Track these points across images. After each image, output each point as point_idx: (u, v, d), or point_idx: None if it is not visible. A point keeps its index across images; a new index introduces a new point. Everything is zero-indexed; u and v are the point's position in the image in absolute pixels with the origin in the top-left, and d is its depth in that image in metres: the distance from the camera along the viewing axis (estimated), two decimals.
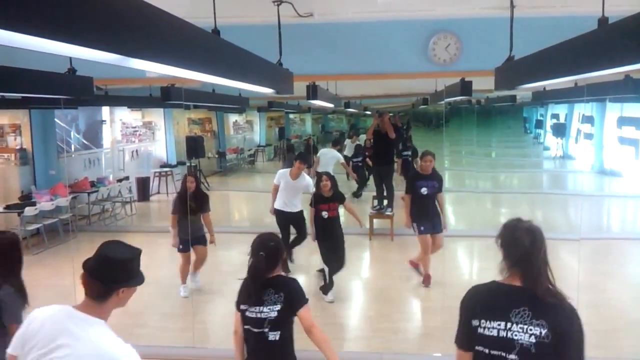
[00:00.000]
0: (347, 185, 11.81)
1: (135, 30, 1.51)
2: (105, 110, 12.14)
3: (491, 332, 2.16)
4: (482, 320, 2.18)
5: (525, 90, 9.04)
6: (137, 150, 13.39)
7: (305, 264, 7.21)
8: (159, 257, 8.21)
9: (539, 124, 21.91)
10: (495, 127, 20.76)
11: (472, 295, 2.33)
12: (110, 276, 1.99)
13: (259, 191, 14.69)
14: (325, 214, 6.04)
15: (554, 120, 19.69)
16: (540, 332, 2.08)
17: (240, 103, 9.37)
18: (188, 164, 13.13)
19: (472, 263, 8.09)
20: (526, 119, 23.98)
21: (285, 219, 6.91)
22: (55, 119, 9.95)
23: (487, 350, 2.17)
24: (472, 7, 4.25)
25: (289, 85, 3.86)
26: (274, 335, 2.89)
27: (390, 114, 10.62)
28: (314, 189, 6.48)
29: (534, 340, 2.08)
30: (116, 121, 12.68)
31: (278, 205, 6.94)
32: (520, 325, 2.11)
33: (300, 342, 3.02)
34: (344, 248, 6.18)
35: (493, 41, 3.77)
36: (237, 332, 3.02)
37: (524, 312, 2.12)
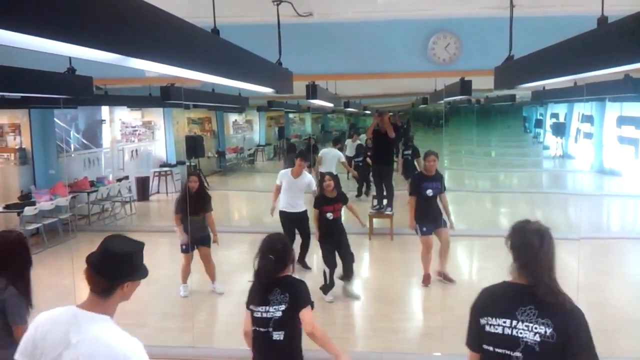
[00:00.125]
0: (346, 185, 11.80)
1: (134, 30, 1.51)
2: (105, 109, 12.13)
3: (496, 329, 2.17)
4: (489, 318, 2.20)
5: (524, 90, 9.03)
6: (136, 150, 13.39)
7: (307, 262, 7.20)
8: (158, 256, 8.21)
9: (539, 124, 21.91)
10: (495, 126, 20.79)
11: (482, 296, 2.34)
12: (115, 271, 1.98)
13: (258, 191, 14.70)
14: (330, 215, 6.02)
15: (554, 120, 19.69)
16: (545, 331, 2.08)
17: (239, 102, 9.37)
18: (188, 163, 13.13)
19: (472, 262, 8.10)
20: (526, 118, 23.99)
21: (290, 220, 6.90)
22: (55, 119, 9.95)
23: (492, 349, 2.18)
24: (472, 7, 4.25)
25: (289, 85, 3.86)
26: (278, 335, 2.91)
27: (390, 114, 10.63)
28: (316, 187, 6.47)
29: (538, 339, 2.08)
30: (116, 121, 12.67)
31: (282, 206, 6.95)
32: (525, 324, 2.12)
33: (308, 342, 3.03)
34: (349, 245, 6.16)
35: (492, 41, 3.77)
36: (247, 333, 3.05)
37: (530, 311, 2.13)
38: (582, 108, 16.53)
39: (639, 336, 5.19)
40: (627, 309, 5.83)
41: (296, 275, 3.16)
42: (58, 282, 6.15)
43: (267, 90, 3.40)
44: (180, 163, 13.81)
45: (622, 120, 14.23)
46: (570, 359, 2.08)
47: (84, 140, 11.69)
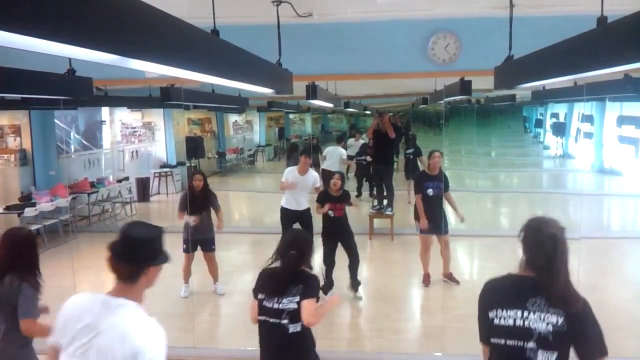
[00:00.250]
0: (346, 185, 11.80)
1: (134, 30, 1.52)
2: (105, 110, 12.13)
3: (507, 321, 2.16)
4: (499, 310, 2.19)
5: (524, 90, 9.03)
6: (136, 151, 13.39)
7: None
8: None
9: (539, 123, 21.90)
10: (495, 126, 20.76)
11: (488, 288, 2.34)
12: (139, 255, 2.02)
13: (259, 191, 14.71)
14: (331, 212, 6.03)
15: (554, 120, 19.68)
16: (557, 321, 2.09)
17: (239, 103, 9.36)
18: (188, 164, 13.13)
19: (472, 263, 8.10)
20: (526, 118, 23.97)
21: (290, 218, 6.91)
22: (55, 120, 9.96)
23: (503, 341, 2.17)
24: (472, 7, 4.25)
25: (289, 85, 3.86)
26: (294, 327, 2.94)
27: (390, 114, 10.63)
28: (321, 183, 6.48)
29: (550, 329, 2.09)
30: (116, 122, 12.68)
31: (284, 203, 6.96)
32: (537, 314, 2.12)
33: (321, 342, 3.06)
34: (354, 243, 6.14)
35: (492, 40, 3.77)
36: (255, 320, 3.09)
37: (540, 301, 2.13)
38: (582, 108, 16.52)
39: (639, 335, 5.19)
40: (628, 309, 5.83)
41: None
42: (58, 283, 6.10)
43: (267, 90, 3.40)
44: (180, 164, 13.81)
45: (622, 120, 14.23)
46: (582, 347, 2.09)
47: (84, 141, 11.69)
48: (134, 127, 13.31)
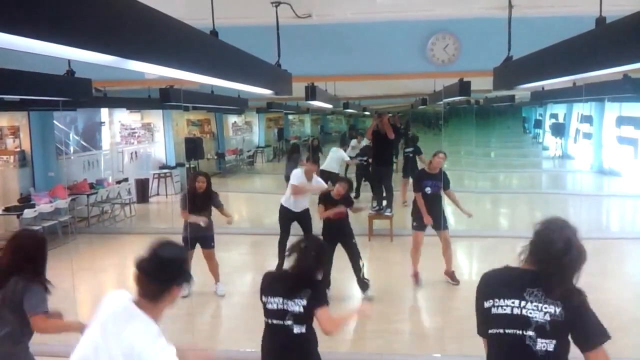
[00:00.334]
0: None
1: (133, 32, 1.52)
2: (104, 112, 12.13)
3: (505, 310, 2.16)
4: (496, 299, 2.19)
5: (523, 90, 9.05)
6: (136, 152, 13.39)
7: None
8: None
9: (538, 124, 21.93)
10: (494, 127, 20.80)
11: (485, 279, 2.35)
12: (167, 275, 2.06)
13: (258, 192, 14.71)
14: (331, 216, 6.02)
15: (553, 120, 19.70)
16: (555, 310, 2.09)
17: (239, 104, 9.37)
18: (187, 165, 13.13)
19: (472, 263, 8.10)
20: (525, 118, 24.01)
21: (288, 217, 6.93)
22: (54, 121, 9.95)
23: (502, 331, 2.17)
24: (471, 8, 4.26)
25: (288, 86, 3.87)
26: (299, 329, 2.94)
27: (390, 115, 10.63)
28: (326, 185, 6.49)
29: (548, 319, 2.09)
30: (115, 123, 12.67)
31: (285, 202, 6.96)
32: (535, 304, 2.12)
33: (321, 343, 3.06)
34: (355, 244, 6.13)
35: (491, 41, 3.77)
36: None
37: (538, 292, 2.14)
38: (581, 108, 16.54)
39: (638, 335, 5.19)
40: (627, 309, 5.84)
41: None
42: (58, 284, 6.09)
43: (266, 91, 3.40)
44: (179, 165, 13.81)
45: (622, 121, 14.24)
46: (582, 336, 2.11)
47: (83, 143, 11.69)
48: (133, 128, 13.30)
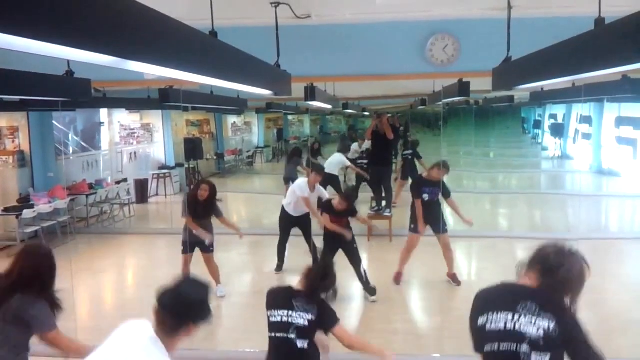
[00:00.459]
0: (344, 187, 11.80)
1: (132, 32, 1.52)
2: (104, 112, 12.12)
3: (498, 324, 2.15)
4: (489, 314, 2.18)
5: (523, 91, 9.05)
6: (135, 152, 13.38)
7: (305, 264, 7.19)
8: (157, 258, 8.21)
9: (537, 124, 21.94)
10: (494, 127, 20.80)
11: (480, 296, 2.35)
12: (189, 314, 2.07)
13: (257, 193, 14.70)
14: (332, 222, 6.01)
15: (552, 121, 19.72)
16: (549, 326, 2.08)
17: (238, 105, 9.37)
18: (186, 165, 13.12)
19: (471, 263, 8.10)
20: (524, 119, 24.01)
21: (290, 222, 7.00)
22: (53, 121, 9.94)
23: (497, 346, 2.16)
24: (470, 8, 4.26)
25: (287, 87, 3.87)
26: (302, 343, 2.93)
27: (389, 115, 10.63)
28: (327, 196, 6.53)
29: (542, 334, 2.07)
30: (114, 123, 12.67)
31: (287, 207, 7.00)
32: (528, 318, 2.11)
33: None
34: (356, 249, 6.12)
35: (491, 42, 3.78)
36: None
37: (531, 305, 2.13)
38: (580, 109, 16.55)
39: (637, 336, 5.20)
40: (626, 309, 5.84)
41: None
42: (57, 285, 6.13)
43: (265, 92, 3.40)
44: (179, 165, 13.80)
45: (621, 121, 14.25)
46: (574, 352, 2.09)
47: (83, 143, 11.68)
48: (132, 128, 13.30)
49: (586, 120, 16.42)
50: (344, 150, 11.38)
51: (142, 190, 12.55)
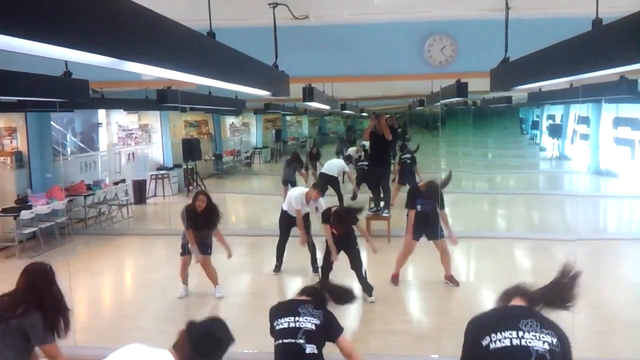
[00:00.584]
0: (343, 188, 11.80)
1: (130, 33, 1.52)
2: (102, 113, 12.11)
3: (503, 342, 2.14)
4: (492, 335, 2.18)
5: (520, 92, 9.07)
6: (133, 153, 13.37)
7: (304, 265, 7.19)
8: (155, 259, 8.20)
9: (535, 125, 21.97)
10: (492, 128, 20.82)
11: (476, 319, 2.35)
12: (215, 353, 2.35)
13: (255, 193, 14.70)
14: (333, 231, 6.00)
15: (550, 121, 19.75)
16: (552, 340, 2.11)
17: (236, 105, 9.37)
18: (184, 166, 13.12)
19: (469, 264, 8.10)
20: (522, 120, 24.06)
21: (290, 222, 7.04)
22: (51, 122, 9.93)
23: None
24: (468, 9, 4.26)
25: (285, 88, 3.87)
26: (311, 348, 2.92)
27: (387, 116, 10.64)
28: (324, 206, 6.56)
29: (547, 348, 2.09)
30: (112, 124, 12.65)
31: (287, 208, 7.05)
32: (532, 333, 2.12)
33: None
34: (357, 250, 6.13)
35: (488, 43, 3.79)
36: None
37: (532, 322, 2.15)
38: (578, 109, 16.58)
39: (635, 336, 5.20)
40: (624, 310, 5.84)
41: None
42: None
43: (263, 93, 3.41)
44: (177, 166, 13.79)
45: (618, 122, 14.28)
46: None
47: (81, 144, 11.67)
48: (130, 129, 13.28)
49: (584, 120, 16.45)
50: (342, 152, 11.49)
51: (140, 191, 12.54)
